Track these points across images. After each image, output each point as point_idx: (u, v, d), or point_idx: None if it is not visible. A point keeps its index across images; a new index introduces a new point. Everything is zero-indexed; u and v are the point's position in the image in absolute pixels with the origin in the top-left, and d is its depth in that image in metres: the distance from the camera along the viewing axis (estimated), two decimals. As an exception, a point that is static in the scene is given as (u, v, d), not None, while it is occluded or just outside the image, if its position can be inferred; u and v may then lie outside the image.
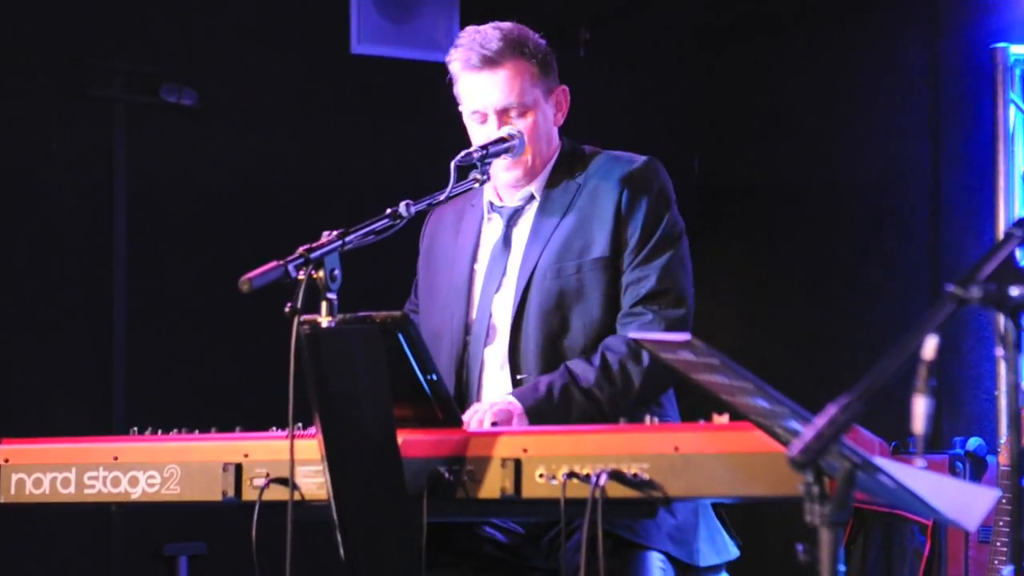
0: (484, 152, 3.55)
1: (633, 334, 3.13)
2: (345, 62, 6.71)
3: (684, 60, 7.35)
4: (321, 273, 3.04)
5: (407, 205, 3.31)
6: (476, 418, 3.38)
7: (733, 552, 3.59)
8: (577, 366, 3.52)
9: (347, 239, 3.12)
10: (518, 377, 3.59)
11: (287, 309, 2.97)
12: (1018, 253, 2.26)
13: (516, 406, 3.41)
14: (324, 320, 3.03)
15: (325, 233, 3.12)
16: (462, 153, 3.53)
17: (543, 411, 3.41)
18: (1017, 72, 6.13)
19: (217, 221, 6.45)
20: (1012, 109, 6.12)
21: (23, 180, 6.15)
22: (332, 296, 3.05)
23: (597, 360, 3.51)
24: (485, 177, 3.56)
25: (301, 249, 3.06)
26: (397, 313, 3.13)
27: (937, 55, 6.52)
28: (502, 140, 3.61)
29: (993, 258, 2.13)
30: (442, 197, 3.45)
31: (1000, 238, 2.21)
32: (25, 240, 6.14)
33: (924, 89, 6.56)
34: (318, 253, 3.05)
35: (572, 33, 6.85)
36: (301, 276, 3.02)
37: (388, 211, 3.30)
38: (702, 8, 7.21)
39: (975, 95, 6.27)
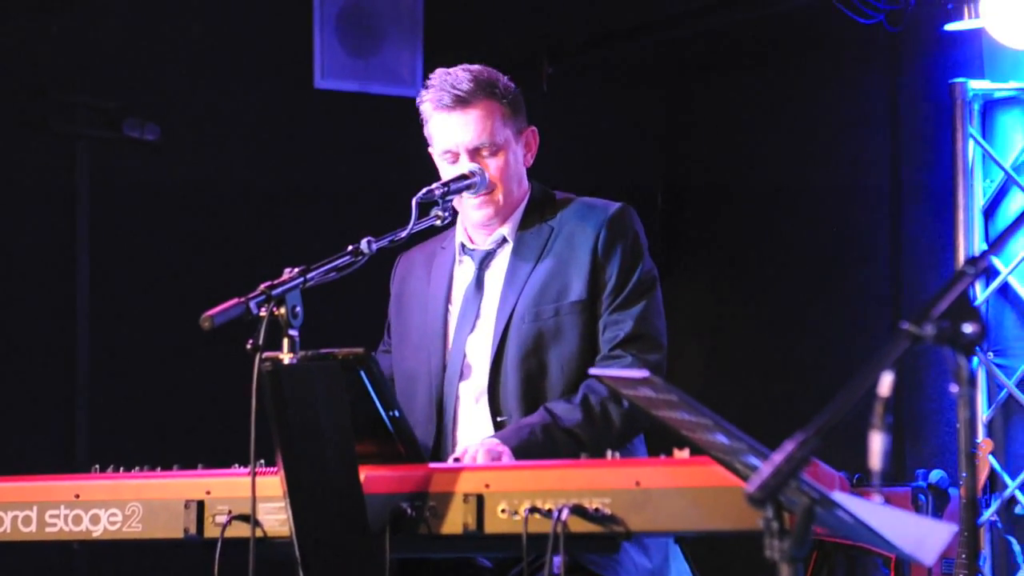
0: (446, 189, 3.57)
1: (593, 370, 3.15)
2: (309, 97, 6.72)
3: (647, 95, 7.39)
4: (283, 310, 3.04)
5: (368, 242, 3.32)
6: (468, 456, 3.39)
7: None
8: (557, 407, 3.54)
9: (309, 276, 3.13)
10: (499, 419, 3.61)
11: (249, 346, 2.97)
12: (978, 290, 2.29)
13: (505, 449, 3.42)
14: (286, 357, 3.03)
15: (287, 270, 3.13)
16: (423, 190, 3.54)
17: (529, 452, 3.42)
18: (976, 107, 6.18)
19: (179, 256, 6.44)
20: (971, 144, 6.17)
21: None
22: (294, 333, 3.05)
23: (578, 400, 3.54)
24: (446, 214, 3.57)
25: (263, 286, 3.06)
26: (359, 350, 3.13)
27: (897, 90, 6.57)
28: (463, 177, 3.63)
29: (947, 295, 2.15)
30: (403, 234, 3.46)
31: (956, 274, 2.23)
32: (-13, 274, 6.12)
33: (884, 124, 6.61)
34: (280, 290, 3.06)
35: (535, 67, 6.89)
36: (263, 313, 3.03)
37: (350, 248, 3.31)
38: (664, 44, 7.26)
39: (935, 130, 6.33)
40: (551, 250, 3.68)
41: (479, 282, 3.73)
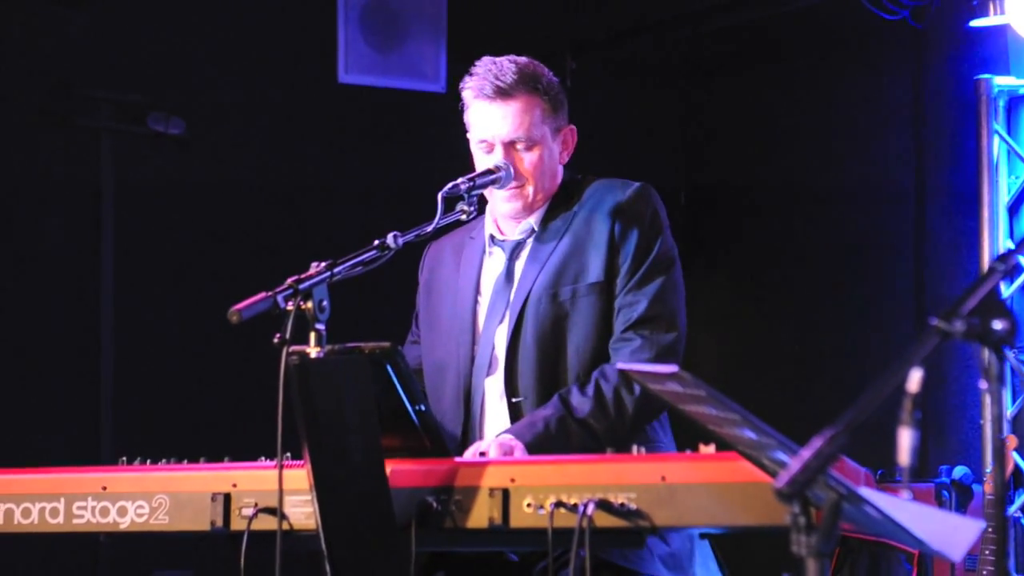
0: (471, 184, 3.57)
1: (621, 365, 3.15)
2: (332, 91, 6.73)
3: (670, 90, 7.39)
4: (309, 304, 3.05)
5: (395, 236, 3.32)
6: (479, 452, 3.39)
7: None
8: (572, 397, 3.53)
9: (335, 270, 3.13)
10: (514, 400, 3.61)
11: (276, 340, 2.98)
12: (1002, 287, 2.29)
13: (517, 444, 3.42)
14: (312, 351, 3.04)
15: (313, 264, 3.13)
16: (449, 184, 3.54)
17: (542, 446, 3.42)
18: (1001, 103, 6.17)
19: (205, 250, 6.45)
20: (996, 140, 6.16)
21: (11, 208, 6.15)
22: (320, 327, 3.06)
23: (591, 390, 3.53)
24: (472, 209, 3.57)
25: (290, 280, 3.07)
26: (385, 344, 3.14)
27: (922, 87, 6.56)
28: (489, 172, 3.63)
29: (976, 292, 2.15)
30: (429, 228, 3.46)
31: (984, 271, 2.23)
32: (12, 268, 6.14)
33: (908, 120, 6.60)
34: (307, 284, 3.06)
35: (558, 62, 6.89)
36: (290, 307, 3.03)
37: (376, 242, 3.31)
38: (689, 39, 7.25)
39: (959, 126, 6.31)
40: (571, 232, 3.66)
41: (509, 273, 3.72)
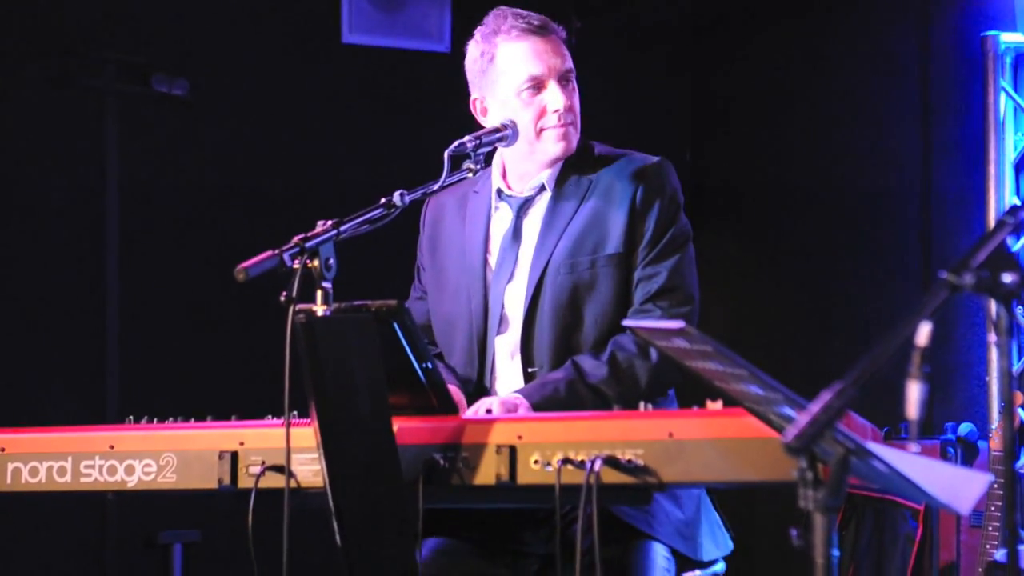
0: (477, 141, 3.54)
1: (627, 322, 3.14)
2: (336, 52, 6.71)
3: (675, 50, 7.36)
4: (316, 262, 3.05)
5: (401, 195, 3.31)
6: (483, 409, 3.40)
7: (729, 545, 3.62)
8: (585, 362, 3.53)
9: (342, 228, 3.12)
10: (530, 370, 3.61)
11: (282, 298, 2.99)
12: (1010, 240, 2.28)
13: (523, 402, 3.43)
14: (319, 309, 3.04)
15: (320, 222, 3.13)
16: (455, 143, 3.52)
17: (550, 407, 3.42)
18: (1007, 60, 6.15)
19: (210, 210, 6.45)
20: (1003, 97, 6.14)
21: (14, 171, 6.15)
22: (327, 285, 3.06)
23: (606, 356, 3.53)
24: (478, 167, 3.55)
25: (296, 238, 3.06)
26: (392, 302, 3.14)
27: (928, 43, 6.53)
28: (496, 130, 3.61)
29: (986, 245, 2.15)
30: (436, 187, 3.45)
31: (992, 225, 2.22)
32: (17, 231, 6.14)
33: (915, 77, 6.57)
34: (313, 242, 3.06)
35: (563, 22, 6.85)
36: (296, 265, 3.03)
37: (382, 200, 3.30)
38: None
39: (966, 83, 6.29)
40: (589, 202, 3.64)
41: (516, 230, 3.70)
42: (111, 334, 6.25)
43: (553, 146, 3.66)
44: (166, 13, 6.41)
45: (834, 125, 6.86)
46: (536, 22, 3.64)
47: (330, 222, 3.12)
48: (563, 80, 3.64)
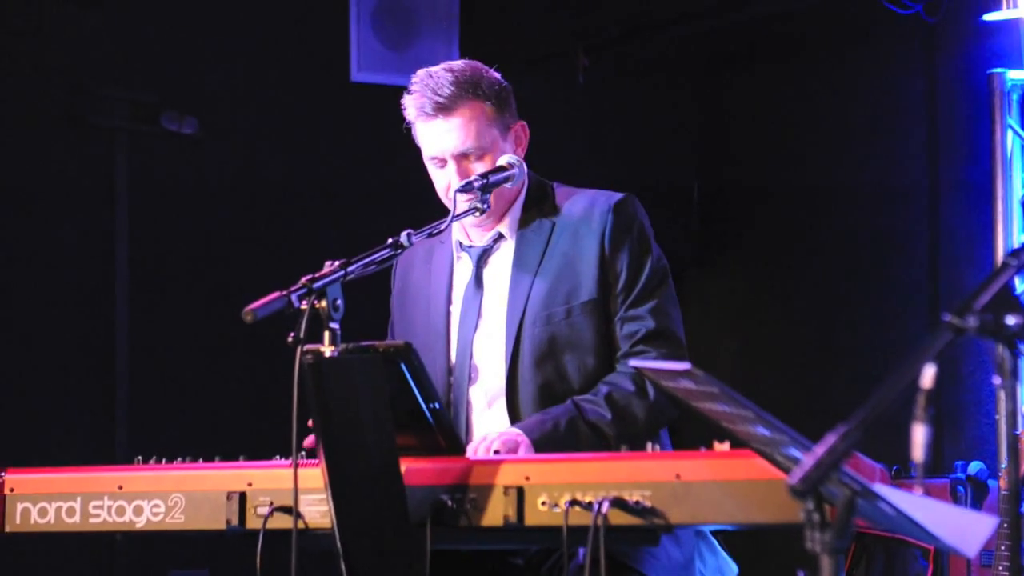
0: (484, 181, 3.55)
1: (635, 362, 3.13)
2: (345, 89, 6.74)
3: (683, 86, 7.38)
4: (324, 303, 3.05)
5: (408, 235, 3.32)
6: (483, 446, 3.39)
7: (734, 569, 3.60)
8: (584, 400, 3.53)
9: (349, 269, 3.13)
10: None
11: (290, 339, 2.99)
12: (1017, 281, 2.29)
13: (523, 437, 3.42)
14: (327, 350, 3.04)
15: (327, 263, 3.13)
16: (463, 182, 3.54)
17: (550, 443, 3.41)
18: (1014, 97, 6.16)
19: (218, 249, 6.47)
20: (1010, 134, 6.15)
21: (26, 207, 6.17)
22: (335, 326, 3.06)
23: (603, 395, 3.52)
24: (485, 206, 3.56)
25: (304, 279, 3.07)
26: (400, 342, 3.15)
27: (935, 81, 6.55)
28: (502, 168, 3.61)
29: (989, 287, 2.15)
30: (443, 226, 3.46)
31: (997, 266, 2.22)
32: (28, 268, 6.16)
33: (922, 115, 6.59)
34: (321, 283, 3.06)
35: (571, 60, 6.89)
36: (304, 306, 3.03)
37: (390, 241, 3.31)
38: (700, 36, 7.25)
39: (973, 121, 6.30)
40: (555, 247, 3.62)
41: (478, 280, 3.68)
42: (120, 374, 6.26)
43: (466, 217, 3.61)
44: (176, 52, 6.45)
45: (842, 162, 6.87)
46: (439, 100, 3.59)
47: (337, 262, 3.13)
48: (465, 157, 3.61)
